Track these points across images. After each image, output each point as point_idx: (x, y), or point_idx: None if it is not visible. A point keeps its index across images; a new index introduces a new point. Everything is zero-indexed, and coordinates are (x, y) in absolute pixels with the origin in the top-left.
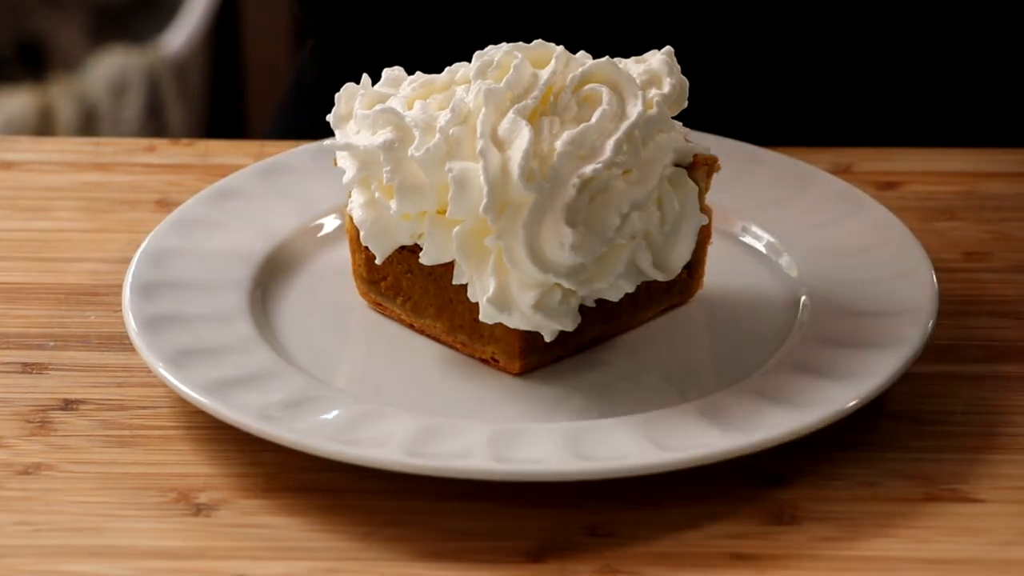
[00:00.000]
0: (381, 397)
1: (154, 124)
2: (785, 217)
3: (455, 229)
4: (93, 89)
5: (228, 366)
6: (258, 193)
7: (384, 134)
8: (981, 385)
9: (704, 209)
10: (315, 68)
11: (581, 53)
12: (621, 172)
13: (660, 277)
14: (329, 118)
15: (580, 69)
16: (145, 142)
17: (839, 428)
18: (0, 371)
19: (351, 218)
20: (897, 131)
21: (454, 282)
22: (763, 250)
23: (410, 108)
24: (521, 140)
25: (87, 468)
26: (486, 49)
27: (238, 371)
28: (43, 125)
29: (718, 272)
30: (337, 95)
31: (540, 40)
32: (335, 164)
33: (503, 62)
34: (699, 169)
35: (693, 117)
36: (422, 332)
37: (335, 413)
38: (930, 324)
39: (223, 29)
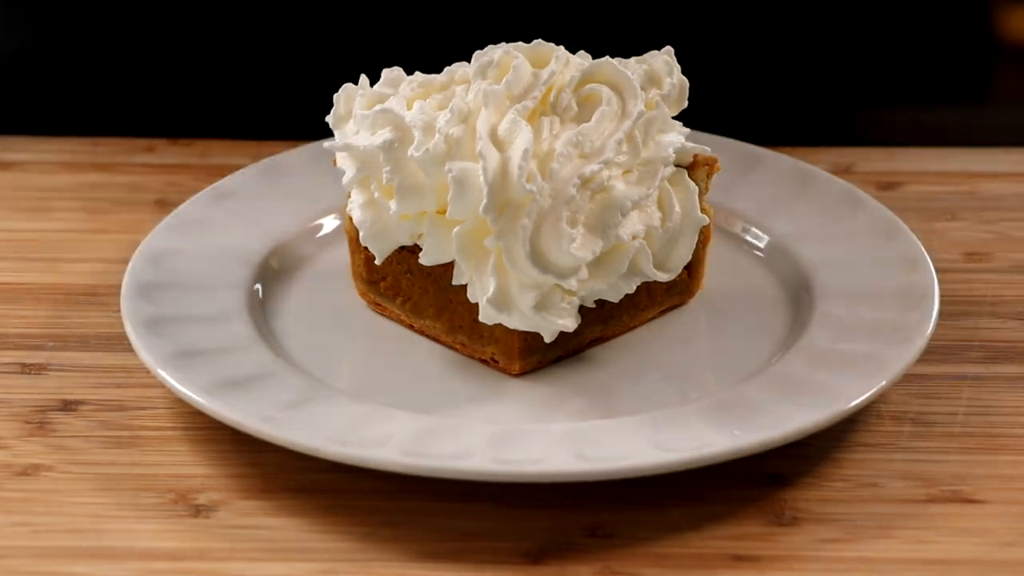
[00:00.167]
0: (380, 398)
1: None
2: (785, 217)
3: (455, 229)
4: None
5: (227, 367)
6: (258, 193)
7: (384, 134)
8: (982, 386)
9: (704, 209)
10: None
11: (581, 53)
12: (621, 172)
13: (660, 278)
14: (328, 119)
15: (580, 69)
16: (144, 142)
17: (840, 429)
18: None
19: (351, 218)
20: (898, 131)
21: (454, 282)
22: (763, 250)
23: (410, 108)
24: (521, 140)
25: (86, 469)
26: (486, 49)
27: (237, 372)
28: None
29: (718, 272)
30: (336, 95)
31: (540, 40)
32: (335, 164)
33: (503, 62)
34: (699, 169)
35: (693, 117)
36: (422, 332)
37: (334, 414)
38: (931, 325)
39: None
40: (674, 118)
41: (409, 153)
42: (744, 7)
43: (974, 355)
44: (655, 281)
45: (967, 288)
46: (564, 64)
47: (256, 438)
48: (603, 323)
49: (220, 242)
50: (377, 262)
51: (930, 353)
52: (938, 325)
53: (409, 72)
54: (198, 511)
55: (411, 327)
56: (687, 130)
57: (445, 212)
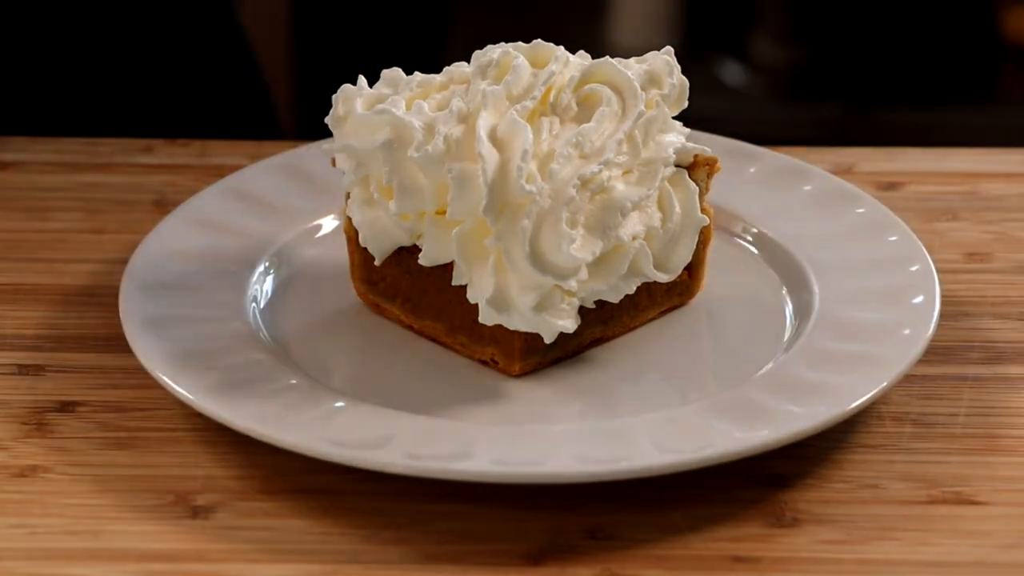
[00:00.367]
0: (380, 399)
1: None
2: (786, 218)
3: (454, 230)
4: None
5: (226, 368)
6: (256, 193)
7: (383, 135)
8: (983, 387)
9: (705, 210)
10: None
11: (580, 53)
12: (621, 172)
13: (660, 278)
14: (327, 119)
15: (580, 69)
16: (142, 142)
17: (841, 430)
18: None
19: (350, 219)
20: (899, 131)
21: (453, 283)
22: (763, 251)
23: (409, 109)
24: (521, 141)
25: (84, 470)
26: (485, 49)
27: (235, 373)
28: None
29: (718, 273)
30: (334, 96)
31: (540, 40)
32: (334, 164)
33: (502, 62)
34: (699, 170)
35: (693, 117)
36: (421, 333)
37: (333, 415)
38: (932, 325)
39: None
40: (674, 118)
41: (408, 154)
42: (744, 7)
43: (975, 356)
44: (655, 282)
45: (968, 289)
46: (564, 64)
47: (255, 439)
48: (603, 324)
49: (219, 242)
50: (376, 263)
51: (931, 354)
52: (939, 326)
53: (408, 72)
54: (197, 512)
55: (411, 328)
56: (687, 130)
57: (445, 213)
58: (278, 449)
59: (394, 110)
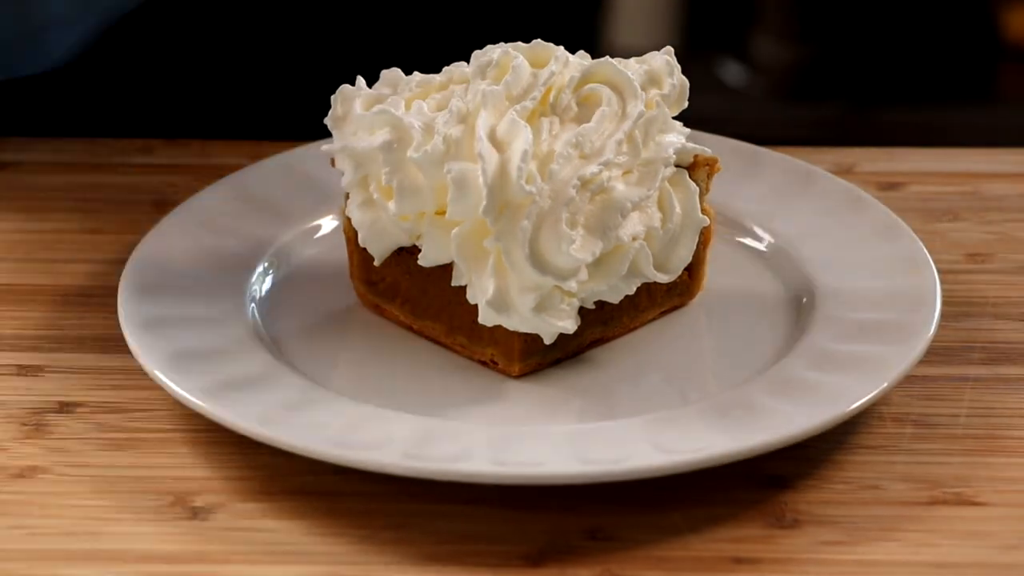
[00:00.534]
0: (379, 399)
1: None
2: (786, 218)
3: (454, 230)
4: None
5: (225, 369)
6: (256, 193)
7: (382, 135)
8: (984, 387)
9: (705, 210)
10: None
11: (580, 53)
12: (621, 173)
13: (661, 279)
14: (326, 120)
15: (580, 69)
16: (140, 142)
17: (841, 431)
18: None
19: (349, 219)
20: (900, 131)
21: (453, 284)
22: (764, 251)
23: (408, 109)
24: (520, 141)
25: (83, 471)
26: (485, 49)
27: (235, 374)
28: None
29: (719, 274)
30: (333, 97)
31: (539, 40)
32: (333, 165)
33: (502, 62)
34: (700, 170)
35: (693, 117)
36: (421, 334)
37: (333, 416)
38: (933, 326)
39: None
40: (674, 118)
41: (408, 154)
42: (745, 6)
43: (976, 356)
44: (655, 282)
45: (969, 289)
46: (564, 64)
47: (254, 440)
48: (603, 324)
49: (218, 242)
50: (376, 263)
51: (932, 354)
52: (940, 326)
53: (408, 72)
54: (196, 513)
55: (410, 328)
56: (687, 130)
57: (444, 213)
58: (277, 450)
59: (393, 110)
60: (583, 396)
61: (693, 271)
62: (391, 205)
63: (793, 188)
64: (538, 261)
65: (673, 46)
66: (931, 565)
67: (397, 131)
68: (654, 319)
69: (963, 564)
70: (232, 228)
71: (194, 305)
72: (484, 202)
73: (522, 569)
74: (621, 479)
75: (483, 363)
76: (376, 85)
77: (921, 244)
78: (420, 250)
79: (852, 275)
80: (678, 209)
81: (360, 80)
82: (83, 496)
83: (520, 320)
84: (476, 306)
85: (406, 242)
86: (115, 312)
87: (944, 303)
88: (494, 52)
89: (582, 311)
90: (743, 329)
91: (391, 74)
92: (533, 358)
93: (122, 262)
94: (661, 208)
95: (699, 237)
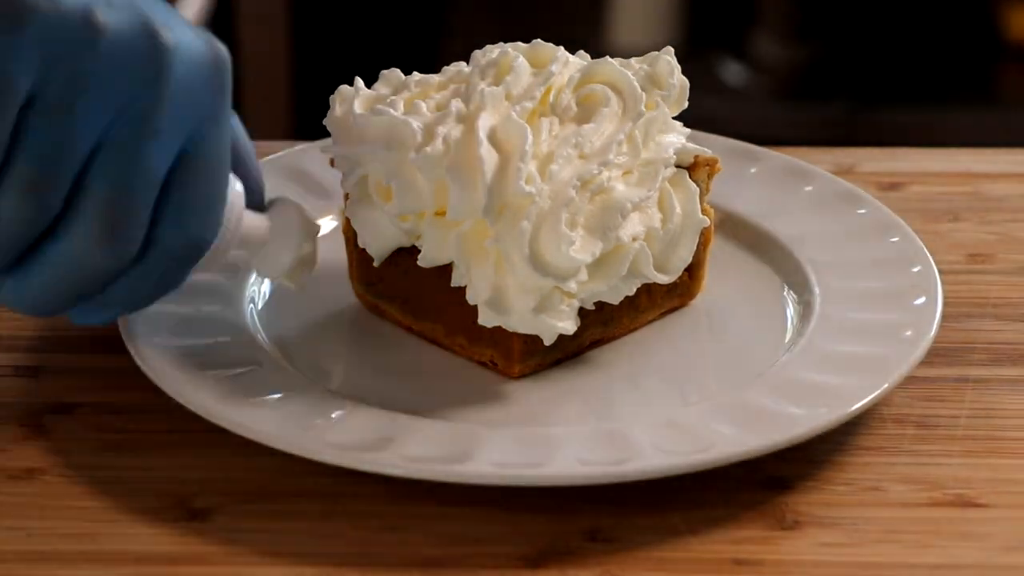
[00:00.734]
0: (378, 401)
1: None
2: (787, 219)
3: (453, 231)
4: None
5: (224, 370)
6: None
7: (382, 136)
8: (985, 388)
9: (705, 211)
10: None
11: (580, 53)
12: (621, 173)
13: (661, 279)
14: (325, 121)
15: (580, 69)
16: None
17: (842, 432)
18: None
19: (348, 220)
20: (900, 131)
21: (452, 284)
22: (764, 252)
23: (408, 109)
24: (520, 141)
25: (82, 472)
26: (485, 49)
27: (233, 375)
28: None
29: (719, 274)
30: (331, 97)
31: (539, 40)
32: (332, 165)
33: (502, 62)
34: (700, 170)
35: (694, 117)
36: (420, 335)
37: (332, 417)
38: (933, 327)
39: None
40: (674, 118)
41: (408, 155)
42: (745, 6)
43: (977, 357)
44: (655, 283)
45: (970, 290)
46: (564, 64)
47: (253, 441)
48: (603, 325)
49: None
50: (375, 264)
51: (933, 355)
52: (941, 327)
53: (407, 72)
54: (195, 515)
55: (409, 329)
56: (687, 131)
57: (444, 214)
58: (276, 451)
59: (392, 111)
60: (583, 397)
61: (693, 272)
62: (390, 206)
63: (793, 188)
64: (538, 262)
65: (673, 46)
66: (932, 566)
67: (396, 132)
68: (654, 320)
69: (964, 566)
70: None
71: (192, 306)
72: (484, 203)
73: (522, 570)
74: (621, 480)
75: (483, 364)
76: (375, 85)
77: (922, 244)
78: (419, 251)
79: (852, 275)
80: (678, 210)
81: (358, 81)
82: (82, 497)
83: (520, 321)
84: (475, 307)
85: (406, 243)
86: None
87: (945, 304)
88: (494, 52)
89: (582, 312)
90: (743, 330)
91: (390, 74)
92: (533, 359)
93: None
94: (661, 209)
95: (699, 238)
